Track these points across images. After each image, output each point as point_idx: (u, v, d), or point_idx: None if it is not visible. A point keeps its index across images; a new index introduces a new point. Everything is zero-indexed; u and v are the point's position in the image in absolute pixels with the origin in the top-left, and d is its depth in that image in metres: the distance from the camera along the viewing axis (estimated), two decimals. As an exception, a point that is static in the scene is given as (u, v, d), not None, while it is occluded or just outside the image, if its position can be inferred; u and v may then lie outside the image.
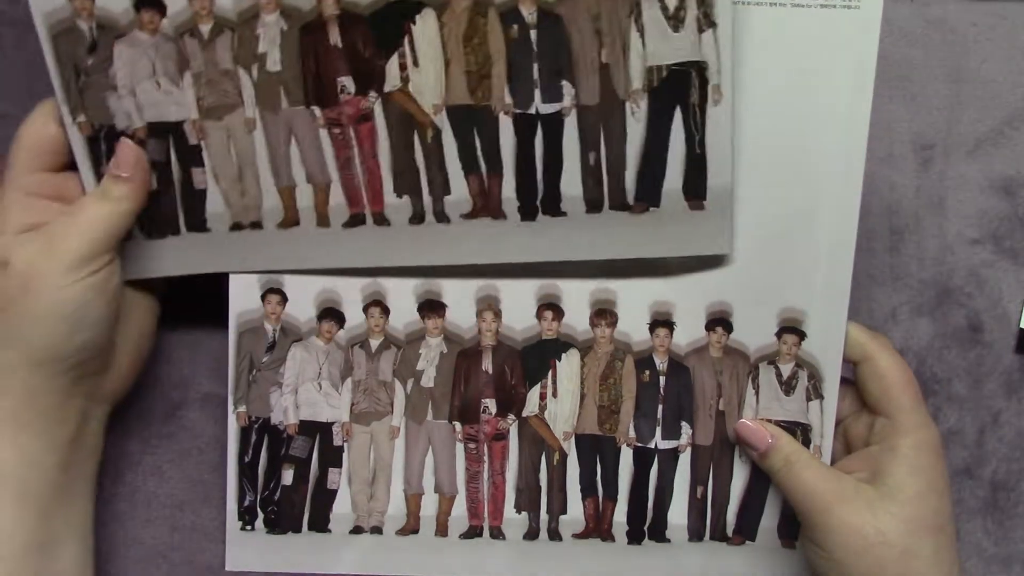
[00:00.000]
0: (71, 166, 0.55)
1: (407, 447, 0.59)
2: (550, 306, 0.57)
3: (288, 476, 0.59)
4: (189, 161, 0.56)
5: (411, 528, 0.60)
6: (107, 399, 0.57)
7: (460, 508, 0.60)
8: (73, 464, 0.54)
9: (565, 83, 0.54)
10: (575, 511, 0.60)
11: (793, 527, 0.59)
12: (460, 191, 0.55)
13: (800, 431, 0.57)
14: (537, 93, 0.54)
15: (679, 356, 0.58)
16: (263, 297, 0.58)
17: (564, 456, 0.59)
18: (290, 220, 0.56)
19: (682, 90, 0.53)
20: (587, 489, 0.59)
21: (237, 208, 0.56)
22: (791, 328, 0.57)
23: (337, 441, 0.59)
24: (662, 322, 0.57)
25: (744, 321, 0.57)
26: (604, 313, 0.57)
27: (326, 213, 0.56)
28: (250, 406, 0.59)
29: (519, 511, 0.60)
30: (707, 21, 0.52)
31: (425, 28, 0.53)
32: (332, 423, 0.59)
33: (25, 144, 0.54)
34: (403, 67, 0.54)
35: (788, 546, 0.59)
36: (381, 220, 0.56)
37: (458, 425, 0.59)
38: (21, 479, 0.51)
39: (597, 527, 0.60)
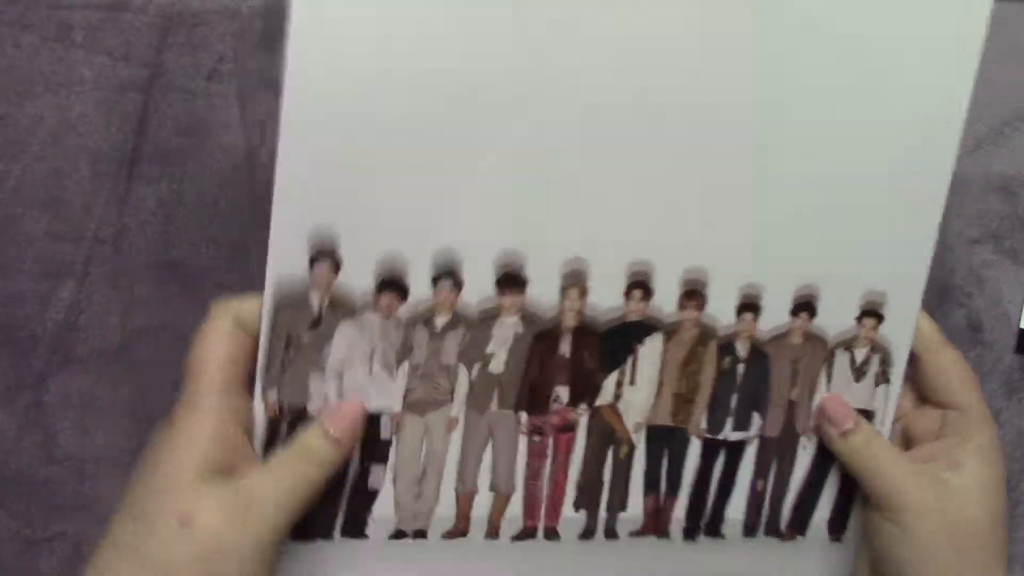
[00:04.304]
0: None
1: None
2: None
3: (324, 476, 0.49)
4: (372, 456, 0.50)
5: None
6: None
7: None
8: None
9: (755, 414, 0.55)
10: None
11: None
12: (635, 508, 0.54)
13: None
14: (730, 421, 0.55)
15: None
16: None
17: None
18: (459, 530, 0.52)
19: None
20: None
21: (406, 513, 0.51)
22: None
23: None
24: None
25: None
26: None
27: (499, 524, 0.53)
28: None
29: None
30: (884, 377, 0.55)
31: (651, 351, 0.52)
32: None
33: (213, 353, 0.45)
34: (620, 384, 0.53)
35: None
36: (552, 534, 0.54)
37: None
38: None
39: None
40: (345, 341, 0.48)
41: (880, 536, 0.53)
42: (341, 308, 0.48)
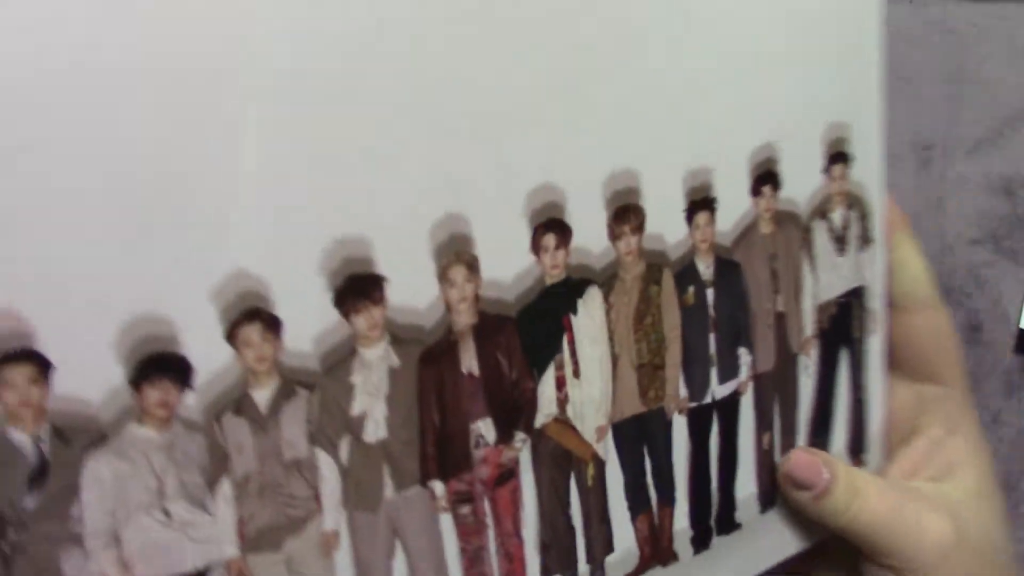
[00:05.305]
0: None
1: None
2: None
3: None
4: None
5: None
6: None
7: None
8: None
9: (742, 350, 0.38)
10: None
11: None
12: (626, 543, 0.36)
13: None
14: (714, 373, 0.38)
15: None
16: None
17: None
18: None
19: (847, 326, 0.42)
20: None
21: None
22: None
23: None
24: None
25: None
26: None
27: None
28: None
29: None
30: (865, 237, 0.41)
31: (589, 317, 0.34)
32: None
33: None
34: (560, 383, 0.34)
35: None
36: None
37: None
38: None
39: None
40: (106, 488, 0.26)
41: None
42: (78, 436, 0.26)
